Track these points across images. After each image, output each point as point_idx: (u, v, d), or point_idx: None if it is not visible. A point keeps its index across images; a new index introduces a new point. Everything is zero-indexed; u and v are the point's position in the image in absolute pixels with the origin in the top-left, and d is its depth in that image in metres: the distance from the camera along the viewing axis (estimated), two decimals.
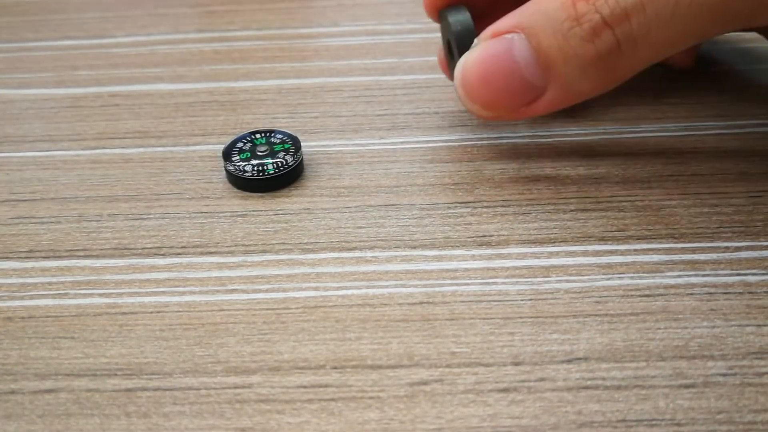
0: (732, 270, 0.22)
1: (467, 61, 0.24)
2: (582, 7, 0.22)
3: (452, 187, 0.26)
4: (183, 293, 0.22)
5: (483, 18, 0.27)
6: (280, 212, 0.25)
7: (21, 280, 0.23)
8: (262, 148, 0.26)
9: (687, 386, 0.19)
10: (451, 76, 0.28)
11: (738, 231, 0.23)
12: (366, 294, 0.22)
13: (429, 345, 0.20)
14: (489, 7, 0.27)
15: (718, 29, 0.23)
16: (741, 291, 0.21)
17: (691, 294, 0.21)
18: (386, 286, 0.22)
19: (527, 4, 0.23)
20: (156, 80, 0.32)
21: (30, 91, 0.32)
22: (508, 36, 0.23)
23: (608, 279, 0.22)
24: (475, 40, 0.24)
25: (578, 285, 0.22)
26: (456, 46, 0.26)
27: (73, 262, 0.23)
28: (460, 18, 0.26)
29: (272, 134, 0.27)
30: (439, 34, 0.33)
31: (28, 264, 0.23)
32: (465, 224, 0.24)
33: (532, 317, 0.21)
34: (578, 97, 0.24)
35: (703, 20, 0.22)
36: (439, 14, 0.27)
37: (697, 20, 0.22)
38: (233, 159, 0.26)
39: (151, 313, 0.22)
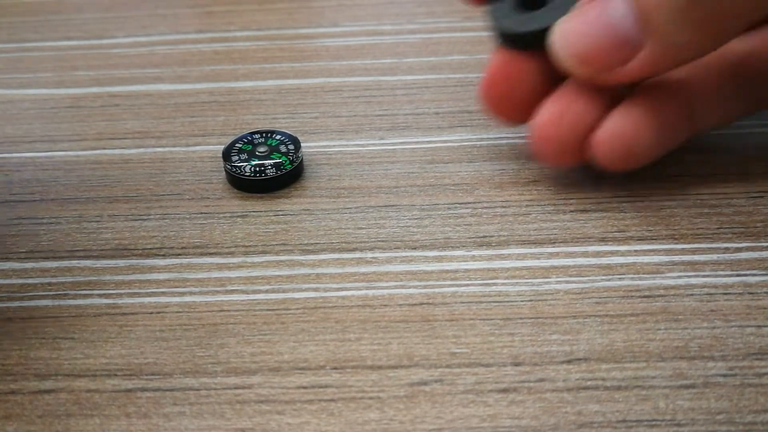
0: (732, 271, 0.22)
1: (568, 17, 0.23)
2: None
3: (452, 187, 0.25)
4: (183, 294, 0.22)
5: None
6: (280, 213, 0.25)
7: (21, 281, 0.23)
8: (262, 149, 0.26)
9: (687, 387, 0.19)
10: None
11: (738, 232, 0.23)
12: (366, 295, 0.22)
13: (429, 345, 0.21)
14: None
15: None
16: (741, 292, 0.21)
17: (691, 295, 0.21)
18: (386, 287, 0.22)
19: None
20: (156, 80, 0.32)
21: (30, 91, 0.32)
22: None
23: (608, 280, 0.22)
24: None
25: (578, 286, 0.22)
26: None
27: (73, 262, 0.23)
28: None
29: (272, 135, 0.27)
30: (436, 34, 0.33)
31: (28, 265, 0.23)
32: (465, 225, 0.24)
33: (532, 318, 0.21)
34: (677, 54, 0.22)
35: None
36: None
37: None
38: (233, 159, 0.26)
39: (151, 313, 0.22)
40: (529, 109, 0.24)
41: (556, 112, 0.24)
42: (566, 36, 0.23)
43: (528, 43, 0.24)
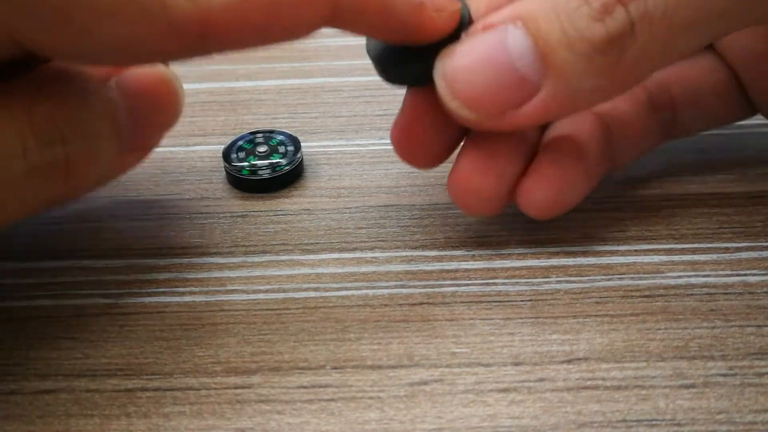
0: (732, 270, 0.22)
1: (452, 50, 0.20)
2: None
3: None
4: (183, 294, 0.22)
5: None
6: (280, 213, 0.25)
7: (21, 281, 0.23)
8: (262, 149, 0.26)
9: (687, 386, 0.19)
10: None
11: (738, 232, 0.23)
12: (366, 295, 0.22)
13: (429, 345, 0.21)
14: None
15: (748, 12, 0.20)
16: (741, 291, 0.21)
17: (691, 294, 0.21)
18: (386, 287, 0.22)
19: None
20: None
21: None
22: (503, 26, 0.19)
23: (608, 280, 0.22)
24: (462, 35, 0.20)
25: (578, 286, 0.22)
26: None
27: (73, 262, 0.23)
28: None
29: (272, 135, 0.27)
30: None
31: (28, 264, 0.23)
32: (465, 225, 0.24)
33: (532, 318, 0.21)
34: (577, 100, 0.20)
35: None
36: None
37: None
38: (233, 160, 0.26)
39: (151, 313, 0.22)
40: (445, 152, 0.22)
41: (477, 163, 0.21)
42: (450, 73, 0.20)
43: (412, 79, 0.21)
